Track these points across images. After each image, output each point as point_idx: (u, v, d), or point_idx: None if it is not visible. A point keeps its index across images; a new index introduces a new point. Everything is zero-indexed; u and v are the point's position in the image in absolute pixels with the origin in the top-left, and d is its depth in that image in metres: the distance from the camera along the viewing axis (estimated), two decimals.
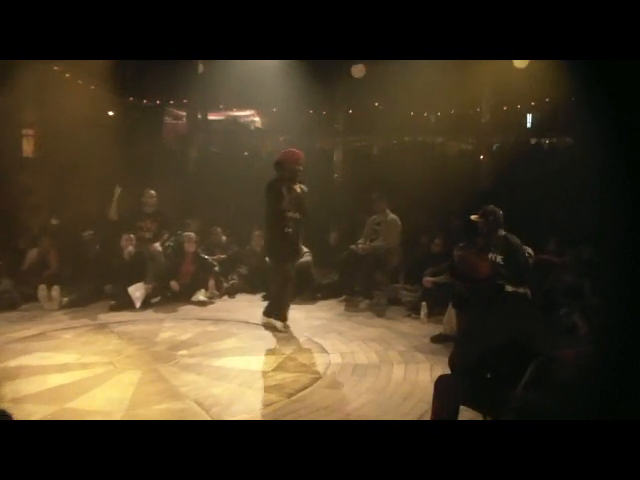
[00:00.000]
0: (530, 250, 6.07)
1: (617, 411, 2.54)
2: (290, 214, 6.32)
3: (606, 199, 2.99)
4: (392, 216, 7.89)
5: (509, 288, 4.09)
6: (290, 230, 6.34)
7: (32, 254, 7.94)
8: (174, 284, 7.77)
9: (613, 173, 2.88)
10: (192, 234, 8.12)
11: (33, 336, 6.30)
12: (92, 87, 10.65)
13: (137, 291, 7.40)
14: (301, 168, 6.41)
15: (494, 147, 12.87)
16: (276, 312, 6.57)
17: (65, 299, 7.36)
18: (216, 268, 8.06)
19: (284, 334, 6.42)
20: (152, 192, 8.30)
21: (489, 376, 3.33)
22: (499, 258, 5.43)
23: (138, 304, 7.36)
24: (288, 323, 6.58)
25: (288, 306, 6.64)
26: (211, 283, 7.93)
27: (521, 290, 4.83)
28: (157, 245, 8.09)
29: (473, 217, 5.65)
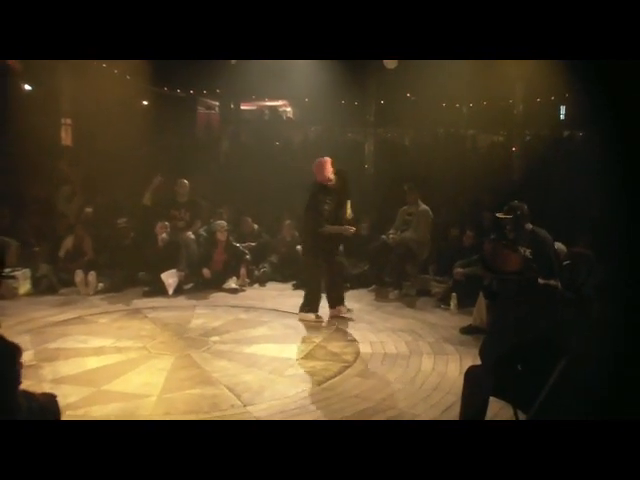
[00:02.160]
0: (561, 245, 6.03)
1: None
2: (327, 213, 6.45)
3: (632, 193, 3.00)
4: (424, 207, 7.88)
5: (540, 281, 4.09)
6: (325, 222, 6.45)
7: (68, 241, 8.13)
8: (206, 272, 7.89)
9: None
10: (224, 223, 8.22)
11: (70, 320, 6.49)
12: (128, 77, 10.82)
13: (170, 278, 7.53)
14: (331, 173, 6.49)
15: (526, 139, 12.72)
16: (308, 305, 6.64)
17: (101, 284, 7.54)
18: (247, 256, 8.16)
19: (316, 322, 6.50)
20: (185, 182, 8.43)
21: (519, 368, 3.34)
22: (528, 252, 5.40)
23: (171, 291, 7.49)
24: (320, 314, 6.65)
25: (319, 298, 6.70)
26: (242, 271, 8.03)
27: (552, 283, 4.79)
28: (190, 233, 8.23)
29: (499, 215, 5.63)
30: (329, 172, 6.50)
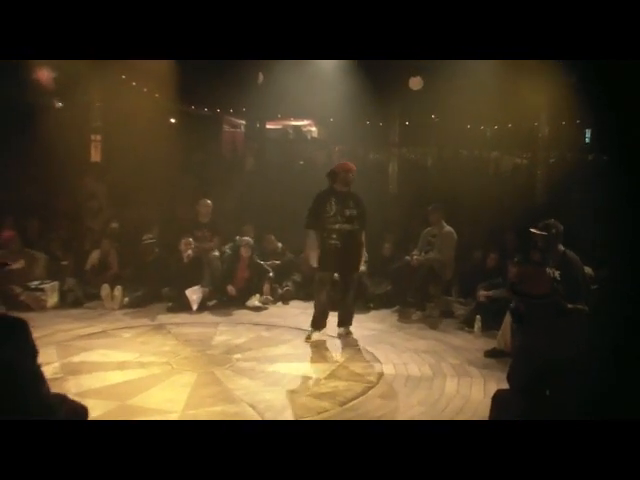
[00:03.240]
0: (589, 269, 5.97)
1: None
2: (338, 226, 6.35)
3: None
4: (448, 228, 7.86)
5: (569, 305, 4.06)
6: (335, 242, 6.33)
7: (94, 255, 8.24)
8: (230, 289, 7.93)
9: None
10: (249, 239, 8.27)
11: (95, 334, 6.56)
12: (156, 95, 10.99)
13: (194, 294, 7.58)
14: (352, 179, 6.47)
15: (550, 162, 12.65)
16: (312, 323, 6.59)
17: (126, 299, 7.61)
18: (270, 274, 8.19)
19: (338, 342, 6.50)
20: (208, 202, 8.39)
21: (547, 393, 3.30)
22: (557, 273, 5.35)
23: (195, 307, 7.54)
24: (317, 333, 6.55)
25: (321, 314, 6.57)
26: (266, 288, 8.05)
27: (580, 307, 4.75)
28: (214, 251, 8.28)
29: (534, 230, 5.55)
30: (350, 176, 6.41)
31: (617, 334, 3.25)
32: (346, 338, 6.61)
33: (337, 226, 6.33)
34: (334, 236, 6.32)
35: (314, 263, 6.43)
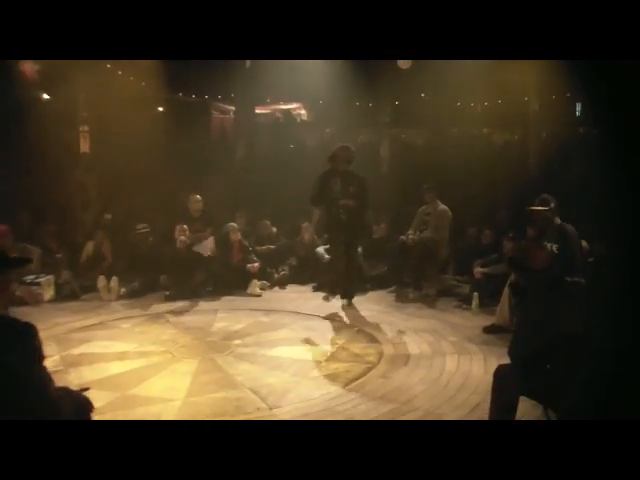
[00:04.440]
0: (585, 242, 5.98)
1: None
2: (343, 202, 6.88)
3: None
4: (442, 207, 7.86)
5: (568, 278, 4.07)
6: (342, 216, 6.91)
7: (88, 247, 8.21)
8: (251, 266, 8.06)
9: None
10: (234, 224, 8.36)
11: (93, 325, 6.55)
12: (143, 84, 10.88)
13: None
14: (352, 157, 7.02)
15: (542, 137, 12.63)
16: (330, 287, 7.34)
17: (123, 290, 7.59)
18: (254, 257, 8.22)
19: (337, 324, 6.55)
20: (198, 197, 8.31)
21: (549, 367, 3.32)
22: (554, 247, 5.35)
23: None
24: (341, 300, 7.24)
25: (337, 283, 7.28)
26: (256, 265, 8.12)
27: (577, 279, 4.76)
28: (209, 239, 8.24)
29: (533, 208, 5.55)
30: (350, 155, 6.98)
31: (615, 308, 3.26)
32: (349, 309, 7.05)
33: (343, 202, 6.90)
34: (341, 211, 6.92)
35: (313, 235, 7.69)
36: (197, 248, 7.80)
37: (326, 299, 7.38)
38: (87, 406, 2.81)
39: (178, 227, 7.92)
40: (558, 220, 5.50)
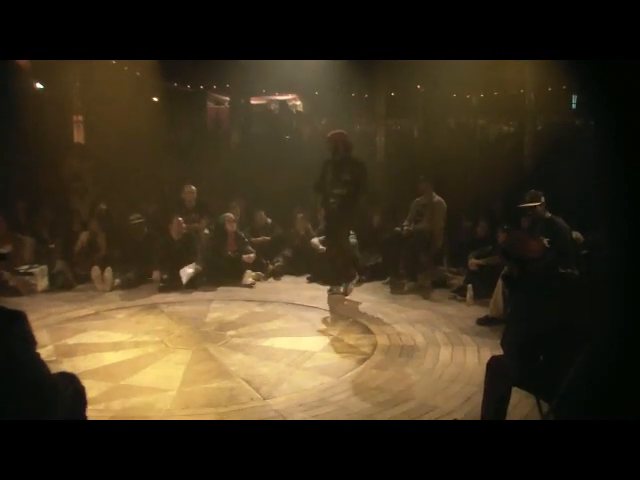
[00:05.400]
0: (579, 234, 6.00)
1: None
2: (336, 190, 6.87)
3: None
4: (438, 198, 7.86)
5: (560, 269, 4.08)
6: (333, 205, 6.91)
7: (83, 237, 8.18)
8: (247, 257, 8.03)
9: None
10: (231, 214, 8.29)
11: (88, 315, 6.54)
12: (137, 73, 10.83)
13: (187, 269, 7.57)
14: (342, 146, 6.92)
15: (538, 128, 12.63)
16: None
17: (117, 280, 7.57)
18: (249, 247, 8.20)
19: (331, 315, 6.56)
20: (192, 188, 8.36)
21: (541, 358, 3.33)
22: (545, 240, 5.38)
23: (185, 280, 7.51)
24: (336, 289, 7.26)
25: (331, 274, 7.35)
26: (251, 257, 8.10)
27: (570, 270, 4.78)
28: (204, 230, 8.24)
29: (524, 205, 5.61)
30: (339, 145, 6.90)
31: (610, 298, 3.26)
32: (344, 300, 7.10)
33: (335, 190, 6.89)
34: (332, 200, 6.94)
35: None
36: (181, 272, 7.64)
37: (331, 292, 7.28)
38: (83, 388, 2.83)
39: (175, 221, 7.88)
40: (548, 214, 5.54)
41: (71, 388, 2.70)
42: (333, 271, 7.33)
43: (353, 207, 7.00)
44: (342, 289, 7.22)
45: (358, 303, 6.96)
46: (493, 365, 3.43)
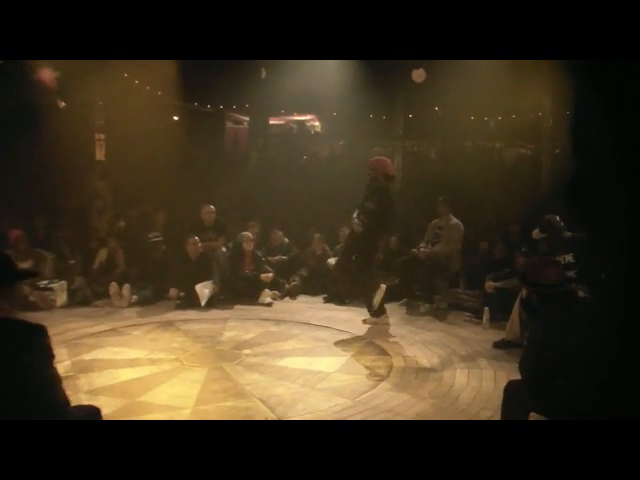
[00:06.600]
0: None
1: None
2: (362, 216, 6.79)
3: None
4: (455, 220, 7.85)
5: (581, 294, 4.05)
6: (358, 227, 6.77)
7: (102, 254, 8.26)
8: (265, 276, 8.06)
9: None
10: (249, 234, 8.33)
11: (105, 331, 6.58)
12: (159, 93, 10.99)
13: (204, 289, 7.59)
14: (372, 174, 6.86)
15: (555, 152, 12.62)
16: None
17: (135, 297, 7.63)
18: (270, 274, 8.21)
19: (347, 336, 6.55)
20: (211, 207, 8.41)
21: (560, 383, 3.30)
22: (569, 257, 5.36)
23: (203, 302, 7.55)
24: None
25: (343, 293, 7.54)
26: (270, 275, 8.14)
27: (589, 296, 4.74)
28: (221, 248, 8.29)
29: (535, 235, 5.60)
30: (370, 172, 6.86)
31: (627, 322, 3.24)
32: (360, 323, 6.95)
33: (361, 216, 6.80)
34: (356, 221, 6.81)
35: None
36: (197, 288, 7.62)
37: (366, 321, 7.01)
38: (96, 416, 2.84)
39: (190, 240, 7.95)
40: (568, 233, 5.51)
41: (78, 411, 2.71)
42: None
43: (368, 238, 6.79)
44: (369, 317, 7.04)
45: (374, 324, 6.94)
46: (511, 389, 3.40)
